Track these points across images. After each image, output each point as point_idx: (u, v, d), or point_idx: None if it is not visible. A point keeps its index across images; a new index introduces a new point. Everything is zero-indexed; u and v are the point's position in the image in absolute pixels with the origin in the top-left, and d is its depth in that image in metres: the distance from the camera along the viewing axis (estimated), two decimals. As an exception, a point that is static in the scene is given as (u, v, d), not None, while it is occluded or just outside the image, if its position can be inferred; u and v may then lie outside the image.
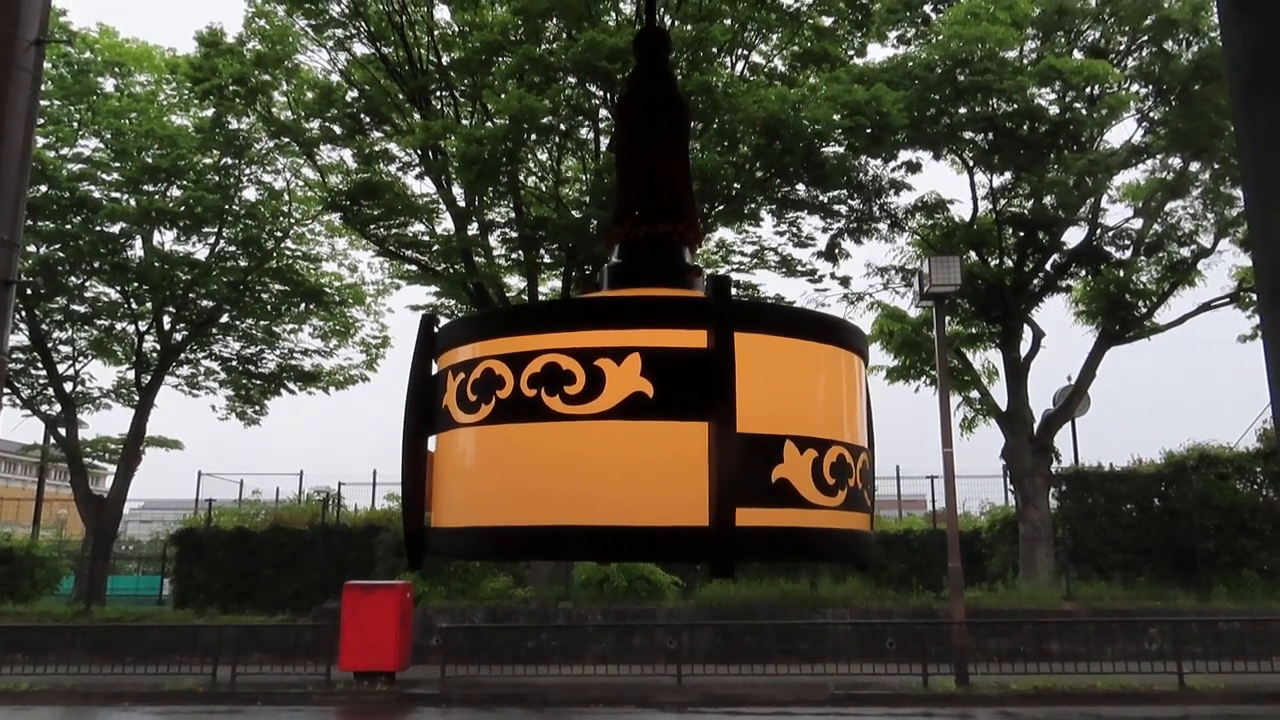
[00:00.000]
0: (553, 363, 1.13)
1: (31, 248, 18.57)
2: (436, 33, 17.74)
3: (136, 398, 21.03)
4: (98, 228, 19.35)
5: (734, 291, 1.16)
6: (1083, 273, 18.58)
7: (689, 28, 15.75)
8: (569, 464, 1.11)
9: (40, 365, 20.71)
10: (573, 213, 17.45)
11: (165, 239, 20.36)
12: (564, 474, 1.11)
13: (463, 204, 17.82)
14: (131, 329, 21.24)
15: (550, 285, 19.43)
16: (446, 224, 18.62)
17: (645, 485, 1.09)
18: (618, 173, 1.43)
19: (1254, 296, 18.31)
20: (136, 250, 20.20)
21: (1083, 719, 12.04)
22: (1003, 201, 18.48)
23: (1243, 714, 12.29)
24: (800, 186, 17.68)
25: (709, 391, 1.10)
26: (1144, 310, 18.52)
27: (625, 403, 1.10)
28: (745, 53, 17.71)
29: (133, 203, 19.30)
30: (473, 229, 17.99)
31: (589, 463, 1.11)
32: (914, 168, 18.00)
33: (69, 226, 18.99)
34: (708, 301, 1.15)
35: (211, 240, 20.40)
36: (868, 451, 1.29)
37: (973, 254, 18.43)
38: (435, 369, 1.29)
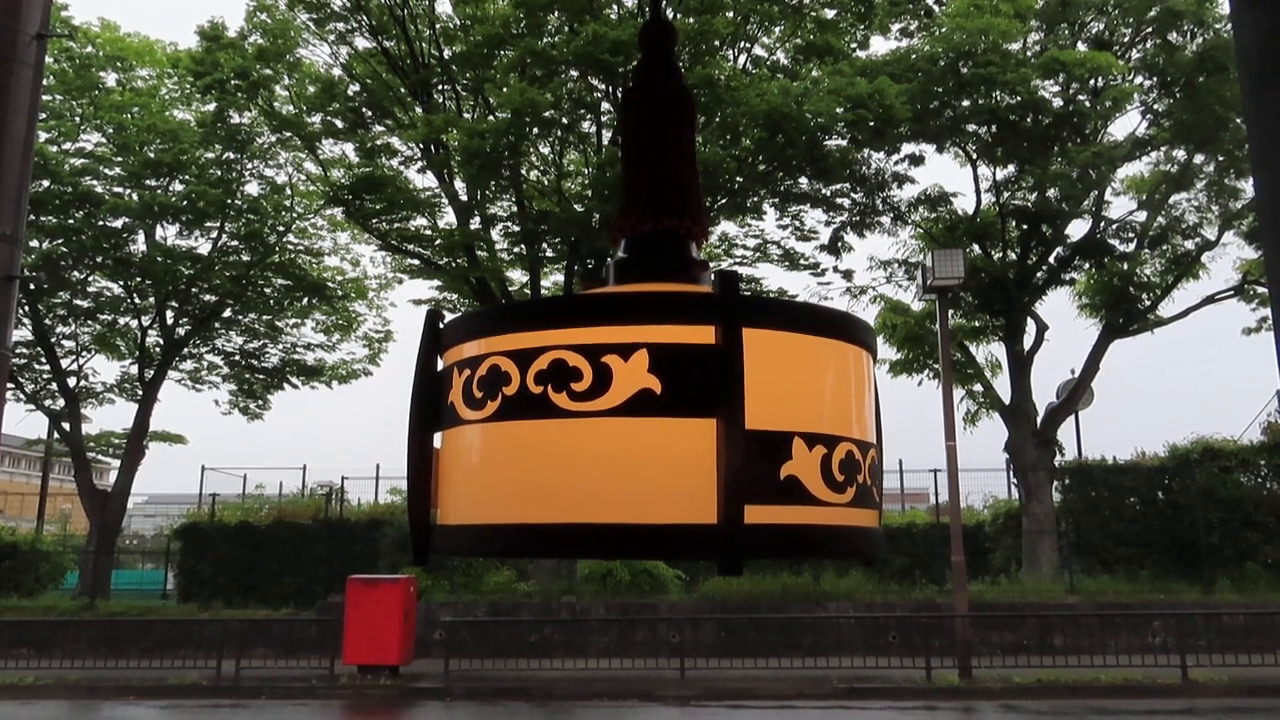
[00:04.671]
0: (559, 359, 1.12)
1: (34, 243, 18.58)
2: (438, 26, 17.72)
3: (139, 392, 21.06)
4: (100, 222, 19.36)
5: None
6: (1086, 266, 18.55)
7: (691, 20, 15.71)
8: (576, 461, 1.11)
9: (44, 360, 20.74)
10: (575, 207, 17.43)
11: (168, 234, 20.40)
12: (571, 471, 1.11)
13: (465, 198, 17.81)
14: (134, 324, 21.28)
15: (552, 279, 19.44)
16: (449, 218, 18.65)
17: (653, 482, 1.09)
18: (623, 166, 1.42)
19: (1258, 289, 18.28)
20: (139, 245, 20.23)
21: (1086, 712, 12.05)
22: (1006, 194, 18.45)
23: (1246, 707, 12.30)
24: (803, 180, 17.66)
25: (717, 388, 1.09)
26: (1147, 303, 18.50)
27: (632, 400, 1.09)
28: (748, 46, 17.68)
29: (135, 197, 19.30)
30: (475, 223, 17.99)
31: (596, 460, 1.10)
32: (917, 161, 17.99)
33: (71, 221, 19.00)
34: (715, 297, 1.14)
35: (214, 235, 20.40)
36: (876, 448, 1.28)
37: (976, 247, 18.41)
38: (441, 365, 1.28)
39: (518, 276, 19.39)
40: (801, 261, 19.48)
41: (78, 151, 19.74)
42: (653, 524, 1.08)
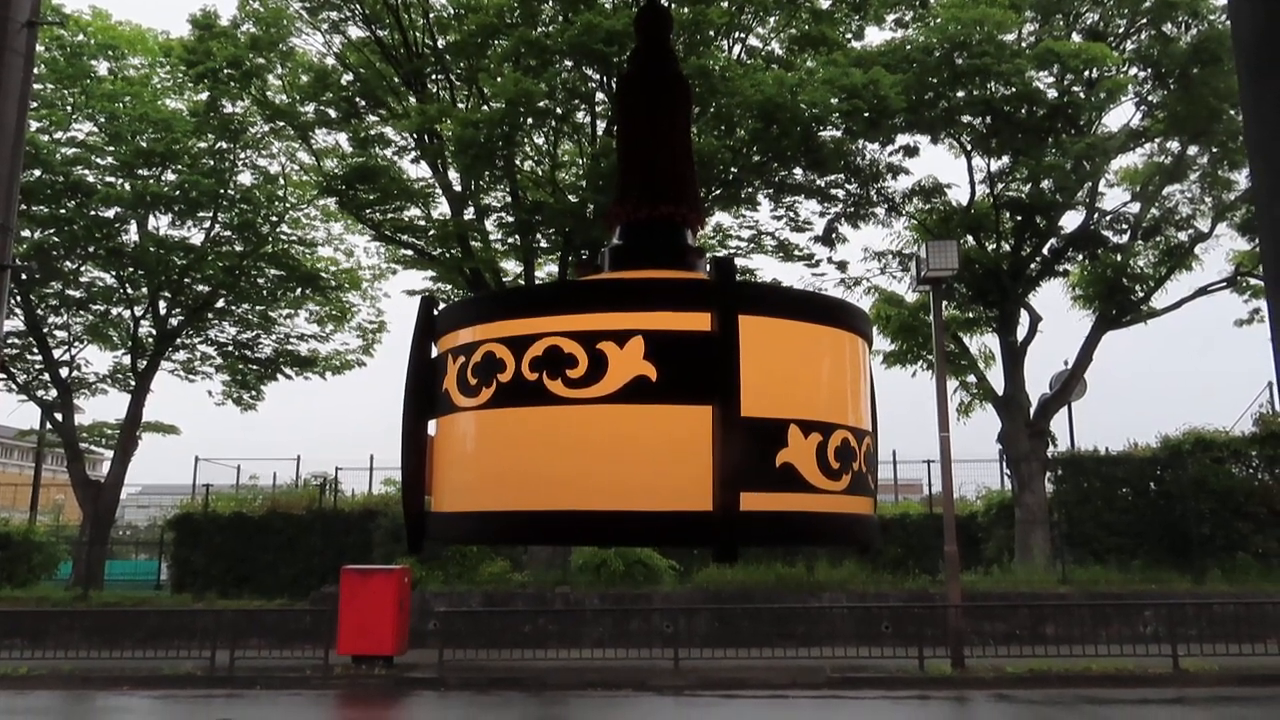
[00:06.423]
0: (554, 346, 1.11)
1: (26, 232, 18.49)
2: (432, 15, 17.64)
3: (133, 383, 20.99)
4: (92, 212, 19.26)
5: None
6: (1080, 257, 18.57)
7: (686, 10, 15.66)
8: (571, 448, 1.10)
9: (36, 350, 20.65)
10: (569, 197, 17.40)
11: (160, 223, 20.32)
12: (566, 458, 1.10)
13: (459, 188, 17.76)
14: (127, 314, 21.18)
15: (547, 270, 19.40)
16: (443, 208, 18.58)
17: (648, 470, 1.08)
18: (619, 153, 1.41)
19: (1251, 281, 18.33)
20: (131, 235, 20.14)
21: (1078, 701, 12.11)
22: (1000, 185, 18.45)
23: (1237, 696, 12.36)
24: (797, 170, 17.64)
25: (713, 375, 1.08)
26: (1141, 294, 18.53)
27: (628, 386, 1.09)
28: (742, 36, 17.62)
29: (127, 187, 19.21)
30: (469, 213, 17.94)
31: (591, 447, 1.10)
32: (911, 152, 17.97)
33: (63, 211, 18.90)
34: (712, 283, 1.14)
35: (207, 225, 20.33)
36: (871, 435, 1.28)
37: (970, 238, 18.42)
38: (435, 352, 1.27)
39: (512, 267, 19.35)
40: (796, 253, 19.47)
41: (69, 141, 19.64)
42: (648, 511, 1.08)
